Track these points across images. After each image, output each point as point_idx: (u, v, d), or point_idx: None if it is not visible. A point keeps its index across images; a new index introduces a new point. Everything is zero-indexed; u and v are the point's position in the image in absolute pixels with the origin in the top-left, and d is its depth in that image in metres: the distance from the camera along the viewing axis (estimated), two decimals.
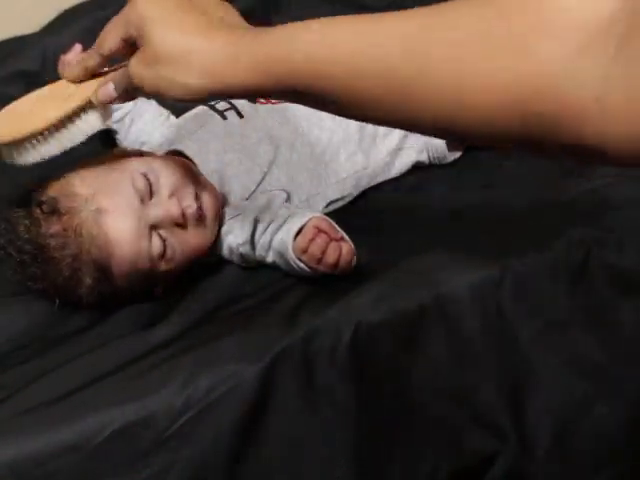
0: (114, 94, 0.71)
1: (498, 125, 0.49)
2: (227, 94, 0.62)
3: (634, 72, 0.43)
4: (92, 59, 0.72)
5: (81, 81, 0.74)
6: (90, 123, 0.77)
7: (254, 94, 0.62)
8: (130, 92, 0.70)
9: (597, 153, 0.46)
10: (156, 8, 0.63)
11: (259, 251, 0.91)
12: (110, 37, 0.68)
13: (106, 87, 0.71)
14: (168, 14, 0.62)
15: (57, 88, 0.77)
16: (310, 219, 0.88)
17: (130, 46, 0.66)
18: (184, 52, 0.60)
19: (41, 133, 0.76)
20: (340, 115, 0.58)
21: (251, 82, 0.58)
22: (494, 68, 0.47)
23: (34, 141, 0.77)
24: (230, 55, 0.58)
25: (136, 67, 0.64)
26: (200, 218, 0.91)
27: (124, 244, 0.86)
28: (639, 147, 0.44)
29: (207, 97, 0.61)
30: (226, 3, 0.66)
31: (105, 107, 0.75)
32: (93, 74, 0.73)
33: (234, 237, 0.94)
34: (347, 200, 1.06)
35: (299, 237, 0.86)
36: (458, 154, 1.13)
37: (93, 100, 0.73)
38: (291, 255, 0.86)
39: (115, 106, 1.08)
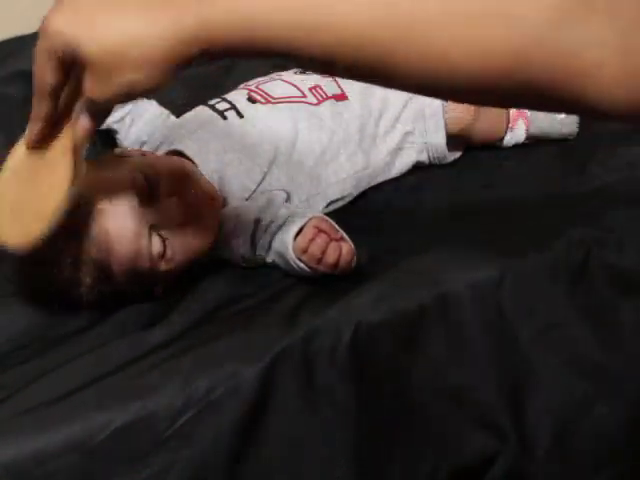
0: (91, 125, 0.66)
1: (487, 88, 0.49)
2: (194, 64, 0.59)
3: (630, 43, 0.44)
4: (43, 106, 0.65)
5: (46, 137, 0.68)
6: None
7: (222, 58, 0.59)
8: (103, 112, 0.66)
9: (595, 112, 0.48)
10: (72, 18, 0.57)
11: (259, 251, 0.91)
12: (47, 73, 0.62)
13: (80, 124, 0.66)
14: (87, 17, 0.57)
15: (30, 155, 0.70)
16: (310, 219, 0.88)
17: (69, 70, 0.61)
18: (125, 51, 0.56)
19: None
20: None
21: (212, 52, 0.55)
22: (480, 35, 0.47)
23: None
24: (177, 36, 0.55)
25: (93, 89, 0.60)
26: (200, 218, 0.91)
27: (124, 244, 0.86)
28: (637, 110, 0.45)
29: (176, 75, 0.58)
30: None
31: None
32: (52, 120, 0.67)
33: (234, 237, 0.94)
34: (347, 200, 1.06)
35: (299, 237, 0.86)
36: (458, 154, 1.13)
37: (77, 143, 0.68)
38: (291, 255, 0.86)
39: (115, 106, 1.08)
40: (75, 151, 0.69)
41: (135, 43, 0.56)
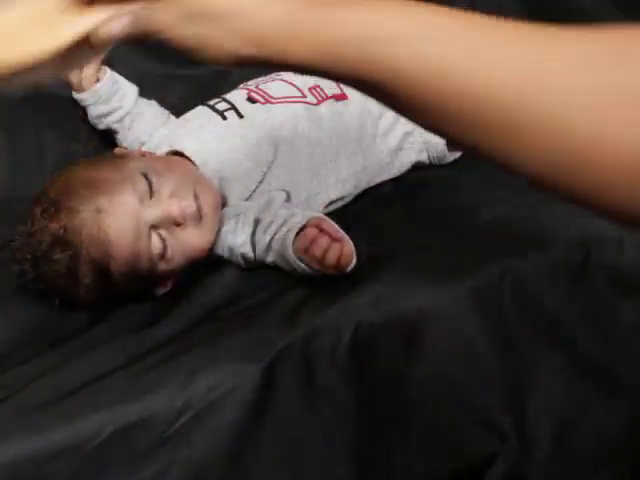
0: (119, 36, 0.56)
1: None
2: (272, 65, 0.54)
3: None
4: None
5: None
6: (79, 60, 0.63)
7: (306, 73, 0.53)
8: (137, 36, 0.56)
9: None
10: None
11: (259, 251, 0.91)
12: None
13: (112, 26, 0.56)
14: None
15: (47, 11, 0.58)
16: (310, 219, 0.88)
17: None
18: (233, 12, 0.51)
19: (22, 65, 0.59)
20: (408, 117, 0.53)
21: (307, 62, 0.51)
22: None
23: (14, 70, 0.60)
24: (288, 28, 0.51)
25: (169, 16, 0.53)
26: (200, 218, 0.91)
27: (123, 244, 0.86)
28: None
29: (246, 65, 0.54)
30: None
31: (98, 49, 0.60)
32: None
33: (234, 237, 0.94)
34: (347, 200, 1.06)
35: (299, 237, 0.86)
36: (458, 154, 1.13)
37: (92, 38, 0.57)
38: (291, 255, 0.86)
39: (115, 106, 1.08)
40: (77, 42, 0.58)
41: (250, 14, 0.52)
